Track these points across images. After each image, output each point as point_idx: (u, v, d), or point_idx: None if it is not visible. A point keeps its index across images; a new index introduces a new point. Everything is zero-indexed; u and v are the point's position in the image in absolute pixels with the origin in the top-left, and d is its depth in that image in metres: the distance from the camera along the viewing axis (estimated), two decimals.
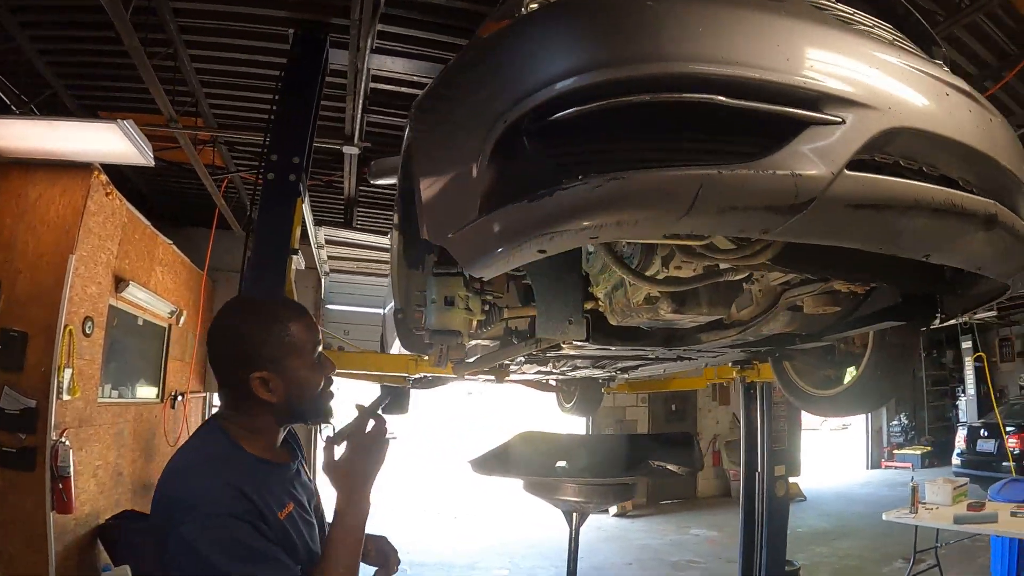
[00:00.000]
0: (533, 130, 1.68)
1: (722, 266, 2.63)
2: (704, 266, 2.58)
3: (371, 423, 1.83)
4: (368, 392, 5.03)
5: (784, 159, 1.52)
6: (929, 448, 18.07)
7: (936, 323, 3.00)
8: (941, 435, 18.85)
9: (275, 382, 1.70)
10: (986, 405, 16.36)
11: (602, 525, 11.83)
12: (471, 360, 3.48)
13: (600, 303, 3.10)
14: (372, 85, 5.86)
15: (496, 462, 3.02)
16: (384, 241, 8.86)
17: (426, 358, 4.32)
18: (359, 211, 9.28)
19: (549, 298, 2.39)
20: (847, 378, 4.26)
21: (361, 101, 5.80)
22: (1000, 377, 17.46)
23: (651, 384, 7.45)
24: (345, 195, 8.36)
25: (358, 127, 6.37)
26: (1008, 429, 11.73)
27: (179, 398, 8.94)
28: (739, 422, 14.25)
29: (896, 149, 1.70)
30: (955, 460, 13.50)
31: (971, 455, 12.95)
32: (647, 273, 2.56)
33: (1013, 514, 6.33)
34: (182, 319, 8.76)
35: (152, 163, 5.54)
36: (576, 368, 4.45)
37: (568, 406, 7.12)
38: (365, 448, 1.78)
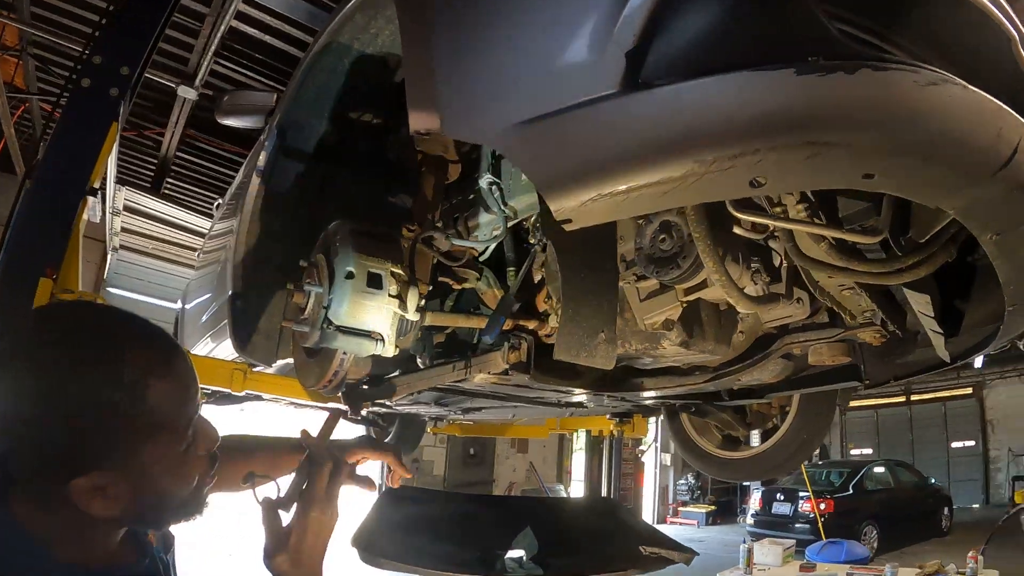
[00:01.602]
0: None
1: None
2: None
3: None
4: None
5: None
6: (714, 507, 19.01)
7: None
8: (723, 495, 20.21)
9: (118, 486, 0.98)
10: None
11: None
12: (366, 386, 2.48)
13: (553, 321, 2.32)
14: (232, 23, 4.74)
15: (399, 544, 2.07)
16: (196, 222, 7.46)
17: (260, 369, 3.24)
18: (169, 181, 7.79)
19: (579, 298, 1.53)
20: (757, 440, 3.97)
21: (222, 29, 4.64)
22: None
23: (484, 428, 6.71)
24: (161, 154, 6.91)
25: (206, 64, 5.14)
26: (803, 494, 12.28)
27: None
28: (536, 471, 14.26)
29: None
30: (749, 520, 14.21)
31: (766, 516, 13.58)
32: (690, 283, 1.82)
33: (849, 575, 6.70)
34: None
35: None
36: (416, 403, 3.63)
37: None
38: (323, 509, 1.22)
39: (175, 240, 8.72)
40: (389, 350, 1.92)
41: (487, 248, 2.34)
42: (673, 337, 1.99)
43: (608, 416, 5.16)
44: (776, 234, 1.81)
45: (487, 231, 2.14)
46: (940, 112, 0.94)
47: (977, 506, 17.85)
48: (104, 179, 5.24)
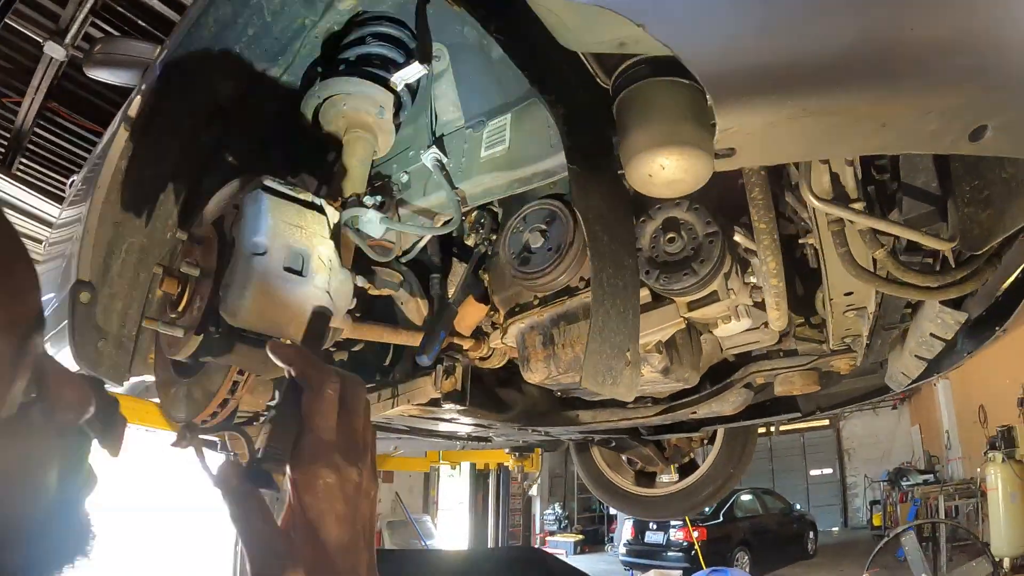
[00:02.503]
0: None
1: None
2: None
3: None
4: None
5: None
6: (581, 536, 19.14)
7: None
8: (589, 524, 20.59)
9: None
10: None
11: None
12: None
13: (491, 340, 1.94)
14: None
15: None
16: (50, 210, 6.50)
17: (110, 387, 2.62)
18: (23, 161, 6.77)
19: (608, 304, 1.11)
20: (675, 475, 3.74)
21: None
22: None
23: None
24: (16, 125, 5.97)
25: (81, 19, 4.41)
26: (675, 523, 12.40)
27: None
28: (402, 502, 13.70)
29: None
30: (622, 549, 14.13)
31: (639, 545, 13.54)
32: (698, 295, 1.47)
33: None
34: None
35: None
36: None
37: None
38: (340, 467, 0.67)
39: (25, 231, 7.65)
40: None
41: (414, 246, 1.91)
42: (656, 362, 1.63)
43: (507, 450, 4.81)
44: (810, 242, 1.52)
45: (425, 219, 1.70)
46: None
47: (837, 529, 18.87)
48: None
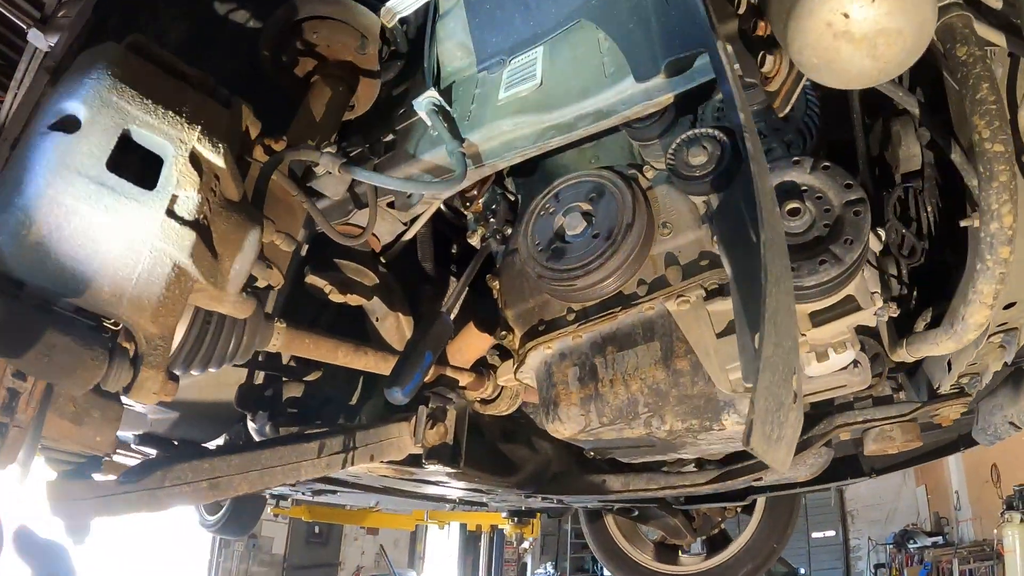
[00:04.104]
0: None
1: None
2: None
3: None
4: None
5: None
6: None
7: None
8: None
9: None
10: None
11: None
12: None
13: (499, 375, 1.45)
14: None
15: None
16: None
17: None
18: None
19: (777, 270, 0.61)
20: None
21: None
22: None
23: (339, 515, 5.77)
24: None
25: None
26: None
27: None
28: (386, 555, 13.03)
29: None
30: None
31: None
32: (832, 299, 0.98)
33: None
34: None
35: None
36: None
37: (212, 519, 5.17)
38: None
39: None
40: (149, 389, 0.79)
41: (397, 239, 1.41)
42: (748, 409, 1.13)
43: (504, 514, 4.29)
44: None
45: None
46: None
47: None
48: None
